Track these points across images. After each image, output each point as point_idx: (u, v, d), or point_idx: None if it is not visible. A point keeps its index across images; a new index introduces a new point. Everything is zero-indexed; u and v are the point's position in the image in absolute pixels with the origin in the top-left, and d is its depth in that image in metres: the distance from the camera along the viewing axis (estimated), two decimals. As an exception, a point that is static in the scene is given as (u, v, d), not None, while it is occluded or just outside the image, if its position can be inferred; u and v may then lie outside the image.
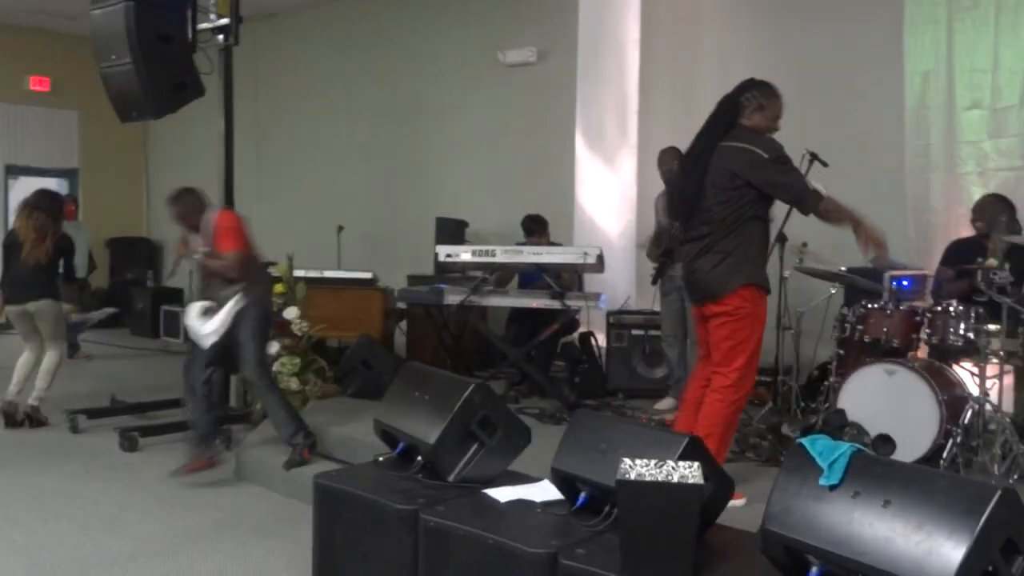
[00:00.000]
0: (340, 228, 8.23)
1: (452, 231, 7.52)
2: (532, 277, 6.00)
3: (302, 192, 9.57)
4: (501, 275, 6.19)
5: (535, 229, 6.48)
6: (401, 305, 6.86)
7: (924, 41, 5.59)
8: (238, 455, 4.92)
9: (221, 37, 5.69)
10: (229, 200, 5.95)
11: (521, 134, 7.97)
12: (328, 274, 6.65)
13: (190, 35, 5.54)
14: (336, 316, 6.08)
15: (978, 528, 1.84)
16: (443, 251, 5.69)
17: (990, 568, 1.89)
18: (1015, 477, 3.99)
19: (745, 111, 3.76)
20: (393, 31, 9.04)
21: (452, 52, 8.52)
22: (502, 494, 2.84)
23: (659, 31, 6.72)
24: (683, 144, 5.69)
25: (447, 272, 6.12)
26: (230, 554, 3.70)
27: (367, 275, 6.72)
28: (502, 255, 5.56)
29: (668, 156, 5.56)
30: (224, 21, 5.70)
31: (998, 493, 1.88)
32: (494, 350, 6.28)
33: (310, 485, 3.99)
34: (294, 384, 5.34)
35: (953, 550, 1.84)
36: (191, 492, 4.50)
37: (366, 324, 6.37)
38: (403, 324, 7.22)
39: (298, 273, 5.82)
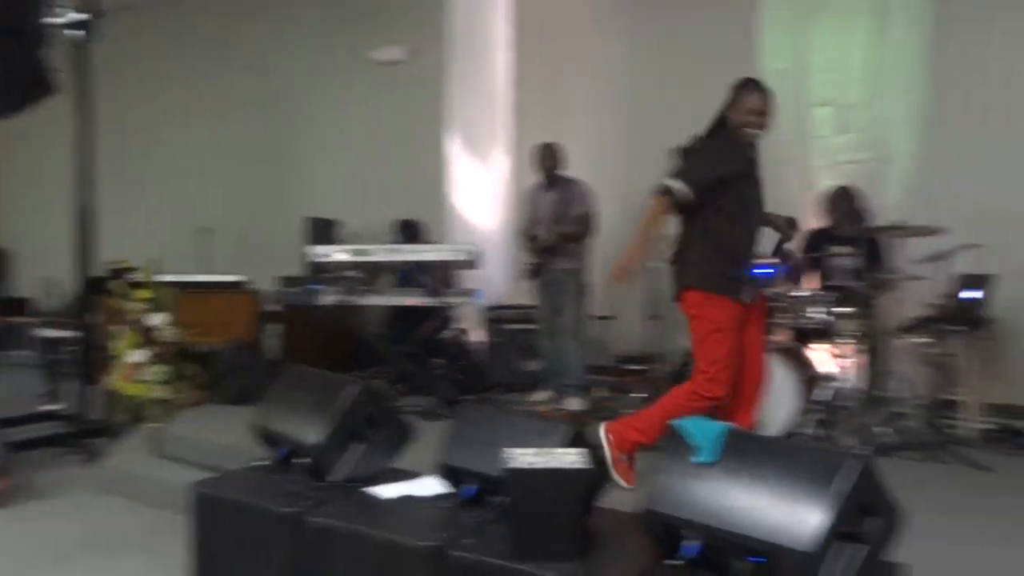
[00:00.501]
0: (206, 230, 7.98)
1: (323, 231, 7.42)
2: (409, 276, 6.00)
3: (167, 194, 9.21)
4: (374, 275, 6.16)
5: (410, 234, 6.50)
6: (274, 307, 6.71)
7: (778, 41, 5.91)
8: (100, 467, 4.71)
9: (76, 32, 5.41)
10: (86, 203, 5.68)
11: (393, 132, 7.93)
12: (196, 278, 6.43)
13: (43, 30, 5.23)
14: (206, 321, 5.88)
15: (837, 493, 1.98)
16: (316, 251, 5.60)
17: (849, 530, 2.04)
18: (861, 452, 4.28)
19: (726, 107, 3.69)
20: (261, 26, 8.81)
21: (321, 49, 8.39)
22: (388, 491, 2.84)
23: (530, 31, 6.83)
24: (558, 140, 5.88)
25: (321, 272, 6.03)
26: (100, 570, 3.55)
27: (237, 278, 6.54)
28: (378, 254, 5.53)
29: (547, 152, 5.67)
30: (82, 16, 5.42)
31: (853, 461, 2.03)
32: (372, 350, 6.24)
33: (180, 494, 3.89)
34: (163, 392, 5.16)
35: (818, 515, 1.98)
36: (52, 508, 4.27)
37: (238, 328, 6.19)
38: (277, 327, 7.06)
39: (165, 278, 5.61)
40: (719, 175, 3.50)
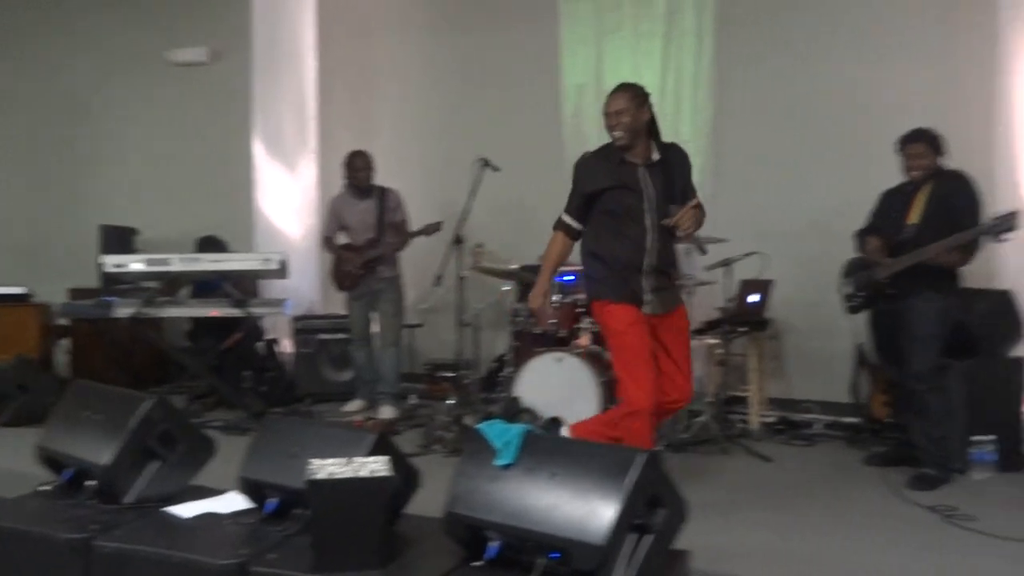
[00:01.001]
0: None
1: (119, 240, 6.99)
2: (212, 286, 5.78)
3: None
4: (173, 286, 5.91)
5: (213, 252, 6.25)
6: (63, 321, 6.28)
7: (578, 57, 6.17)
8: None
9: None
10: None
11: (195, 137, 7.59)
12: (-28, 290, 5.92)
13: None
14: (-16, 337, 5.44)
15: (626, 487, 2.11)
16: (110, 261, 5.28)
17: (638, 522, 2.17)
18: (663, 445, 4.56)
19: None
20: (50, 22, 8.18)
21: (116, 48, 7.89)
22: (186, 510, 2.74)
23: (336, 36, 6.75)
24: (364, 147, 5.86)
25: (116, 283, 5.71)
26: None
27: (19, 290, 6.06)
28: (178, 264, 5.29)
29: (359, 160, 5.64)
30: None
31: (641, 456, 2.17)
32: (173, 364, 5.96)
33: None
34: (-67, 416, 4.72)
35: (607, 509, 2.10)
36: None
37: (20, 344, 5.75)
38: (66, 342, 6.60)
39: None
40: (582, 193, 3.67)
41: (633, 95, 3.60)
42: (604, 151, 3.70)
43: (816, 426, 5.26)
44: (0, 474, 4.09)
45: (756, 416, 5.21)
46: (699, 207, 3.52)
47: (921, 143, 4.13)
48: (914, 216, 4.11)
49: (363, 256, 5.60)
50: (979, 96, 4.95)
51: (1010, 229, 3.81)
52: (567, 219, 3.72)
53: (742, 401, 5.33)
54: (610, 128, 3.61)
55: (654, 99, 5.84)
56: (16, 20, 8.33)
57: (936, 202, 4.07)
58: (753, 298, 5.24)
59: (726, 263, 5.01)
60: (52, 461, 3.03)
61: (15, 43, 8.32)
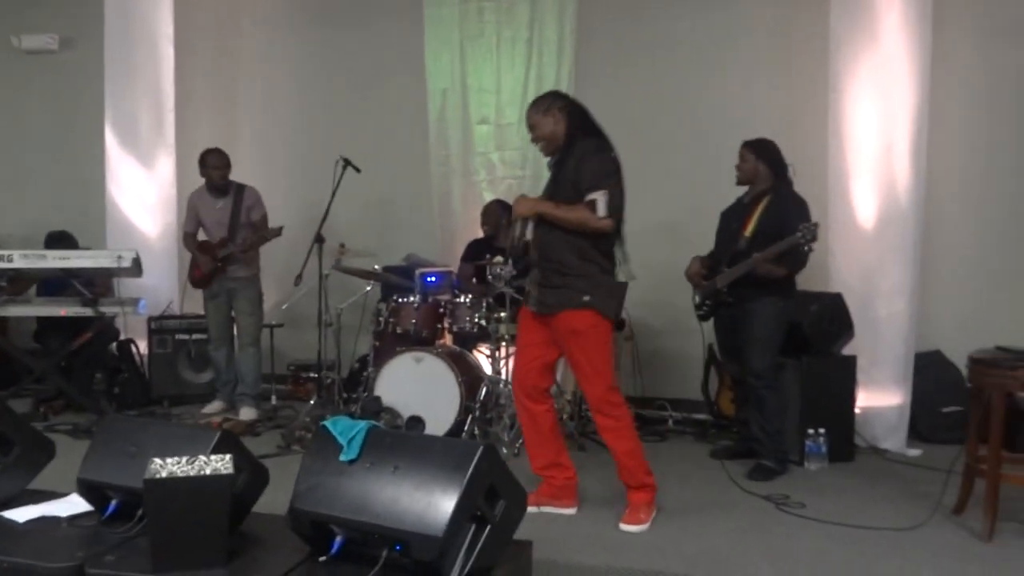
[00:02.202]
0: None
1: (-44, 235, 6.63)
2: (58, 284, 5.55)
3: None
4: (18, 284, 5.64)
5: (52, 245, 6.00)
6: None
7: (442, 61, 6.23)
8: None
9: None
10: None
11: (44, 127, 7.25)
12: None
13: None
14: None
15: (464, 479, 2.19)
16: (-55, 257, 5.01)
17: (478, 512, 2.26)
18: (520, 442, 4.67)
19: None
20: None
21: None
22: (21, 514, 2.66)
23: (196, 27, 6.57)
24: (224, 143, 5.74)
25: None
26: None
27: None
28: (21, 260, 5.05)
29: (216, 158, 5.53)
30: None
31: (480, 449, 2.25)
32: (16, 365, 5.69)
33: None
34: None
35: (447, 500, 2.17)
36: None
37: None
38: None
39: None
40: None
41: (537, 108, 3.64)
42: None
43: (668, 423, 5.50)
44: None
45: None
46: (591, 205, 3.43)
47: (747, 149, 4.52)
48: (749, 229, 4.41)
49: (214, 254, 5.49)
50: (814, 110, 5.29)
51: (814, 239, 4.19)
52: None
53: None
54: (534, 142, 3.68)
55: (516, 103, 6.03)
56: None
57: (768, 217, 4.38)
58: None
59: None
60: None
61: None
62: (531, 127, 3.64)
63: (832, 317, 4.80)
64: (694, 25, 5.88)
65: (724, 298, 4.44)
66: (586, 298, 3.46)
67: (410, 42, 6.30)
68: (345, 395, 5.41)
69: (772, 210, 4.38)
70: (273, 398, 5.89)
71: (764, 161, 4.47)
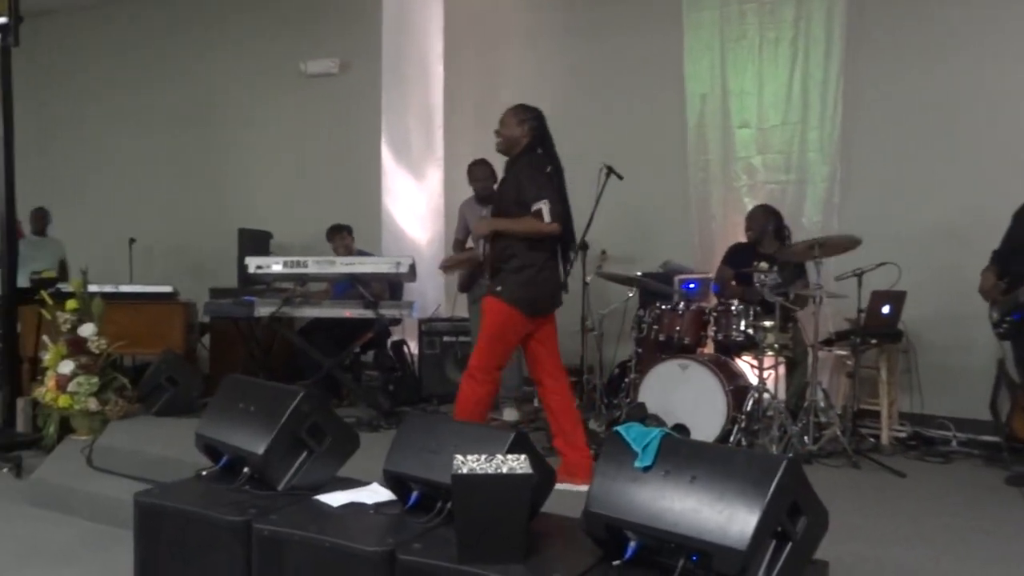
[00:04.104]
0: (132, 240, 7.86)
1: (255, 243, 7.37)
2: (340, 288, 6.03)
3: (93, 202, 8.98)
4: (319, 292, 6.20)
5: (332, 235, 6.56)
6: (203, 319, 6.65)
7: (701, 66, 6.15)
8: (29, 481, 4.62)
9: (-2, 37, 5.35)
10: (10, 212, 5.57)
11: (326, 144, 7.93)
12: (125, 289, 6.32)
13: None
14: (135, 332, 5.80)
15: (769, 494, 2.12)
16: (253, 262, 5.58)
17: (780, 528, 2.18)
18: (789, 456, 4.48)
19: None
20: (189, 34, 8.71)
21: (251, 60, 8.34)
22: (334, 499, 2.89)
23: (463, 45, 6.93)
24: (488, 155, 5.97)
25: (253, 284, 6.02)
26: (37, 585, 3.49)
27: (167, 289, 6.45)
28: (314, 266, 5.54)
29: (480, 170, 5.77)
30: (2, 19, 5.35)
31: (784, 463, 2.18)
32: (303, 362, 6.23)
33: (115, 507, 3.85)
34: (93, 404, 5.08)
35: (750, 514, 2.11)
36: (-19, 525, 4.18)
37: (167, 340, 6.11)
38: (205, 339, 7.00)
39: (92, 288, 5.52)
40: None
41: (516, 112, 4.08)
42: None
43: (952, 443, 5.08)
44: (156, 460, 4.39)
45: (887, 430, 5.06)
46: (537, 214, 3.89)
47: None
48: None
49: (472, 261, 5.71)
50: None
51: None
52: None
53: (873, 415, 5.19)
54: (496, 135, 4.12)
55: (780, 106, 5.83)
56: (161, 36, 8.89)
57: None
58: (885, 309, 5.10)
59: (857, 273, 4.90)
60: (210, 448, 3.25)
61: (160, 57, 8.88)
62: (501, 123, 4.08)
63: None
64: (979, 15, 5.41)
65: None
66: (497, 288, 3.98)
67: (669, 48, 6.28)
68: (606, 400, 5.45)
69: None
70: (535, 400, 6.03)
71: None
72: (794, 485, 2.21)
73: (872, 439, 5.02)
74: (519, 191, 3.95)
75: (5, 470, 4.93)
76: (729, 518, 2.14)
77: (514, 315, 3.97)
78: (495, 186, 5.79)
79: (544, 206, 3.91)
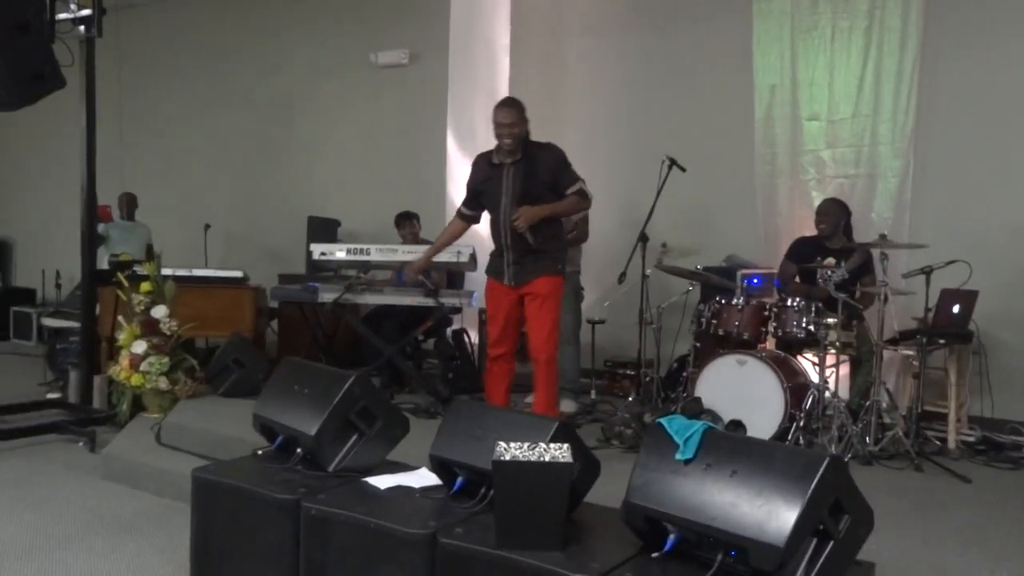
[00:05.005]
0: (207, 226, 8.11)
1: (324, 230, 7.53)
2: (403, 275, 6.11)
3: (169, 188, 9.29)
4: (383, 279, 6.30)
5: (400, 222, 6.65)
6: (272, 304, 6.82)
7: (771, 57, 6.03)
8: (102, 455, 4.82)
9: (83, 28, 5.55)
10: (91, 197, 5.79)
11: (393, 134, 8.04)
12: (197, 272, 6.52)
13: (49, 24, 5.36)
14: (206, 315, 5.98)
15: (809, 491, 2.08)
16: (317, 249, 5.72)
17: (821, 527, 2.15)
18: (849, 456, 4.40)
19: None
20: (263, 26, 8.93)
21: (324, 51, 8.51)
22: (382, 482, 2.95)
23: (529, 35, 6.94)
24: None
25: (320, 271, 6.15)
26: (103, 554, 3.64)
27: (237, 273, 6.63)
28: (376, 254, 5.63)
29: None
30: (86, 11, 5.55)
31: (826, 460, 2.14)
32: (366, 348, 6.34)
33: (180, 482, 3.99)
34: (163, 384, 5.26)
35: (789, 511, 2.08)
36: (55, 494, 4.38)
37: (237, 323, 6.29)
38: (274, 323, 7.18)
39: (166, 271, 5.72)
40: (470, 187, 4.66)
41: (519, 110, 4.40)
42: (485, 153, 4.56)
43: (1022, 449, 4.91)
44: (221, 438, 4.54)
45: (954, 434, 4.91)
46: (579, 194, 4.44)
47: None
48: None
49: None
50: None
51: None
52: (461, 206, 4.75)
53: (940, 417, 5.04)
54: (499, 136, 4.37)
55: (851, 98, 5.72)
56: (235, 26, 9.13)
57: None
58: (955, 309, 4.95)
59: (926, 271, 4.76)
60: (266, 428, 3.34)
61: (233, 47, 9.13)
62: (509, 124, 4.33)
63: None
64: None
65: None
66: (559, 267, 4.53)
67: (737, 38, 6.18)
68: (663, 394, 5.41)
69: None
70: (592, 392, 6.04)
71: None
72: (837, 483, 2.17)
73: (938, 442, 4.88)
74: (554, 177, 4.41)
75: (81, 444, 5.16)
76: (768, 514, 2.12)
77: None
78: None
79: (584, 185, 4.48)
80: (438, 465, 2.88)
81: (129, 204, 8.09)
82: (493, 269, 4.60)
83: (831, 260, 5.01)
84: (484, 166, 4.54)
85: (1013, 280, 5.10)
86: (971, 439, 5.04)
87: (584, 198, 4.50)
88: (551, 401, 4.64)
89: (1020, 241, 5.20)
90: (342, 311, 5.94)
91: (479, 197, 4.58)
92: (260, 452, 3.30)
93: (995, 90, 5.39)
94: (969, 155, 5.47)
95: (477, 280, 6.22)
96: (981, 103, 5.45)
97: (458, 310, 6.30)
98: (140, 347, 5.33)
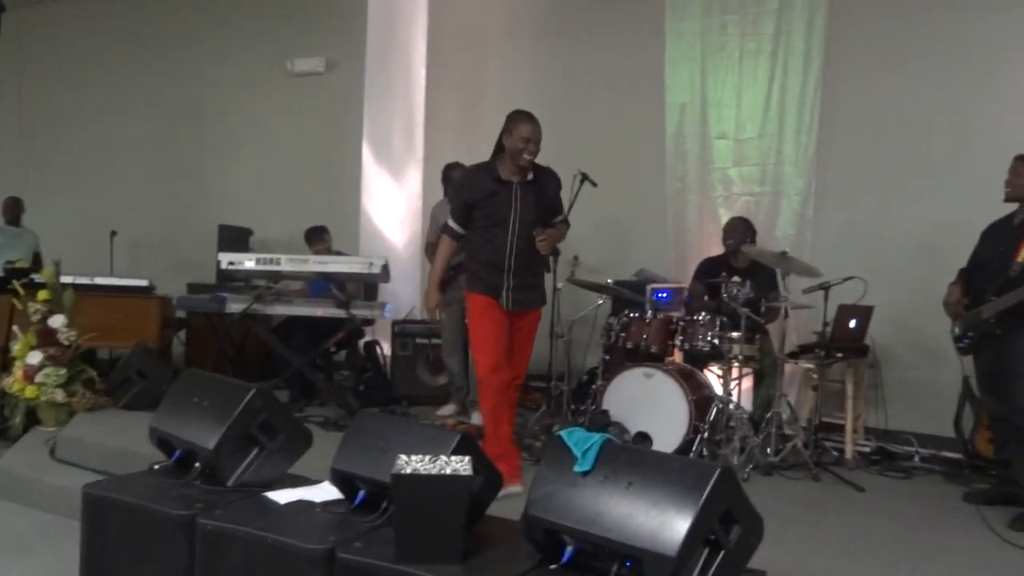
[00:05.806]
0: (113, 233, 7.86)
1: (235, 239, 7.38)
2: (317, 286, 6.04)
3: (71, 193, 8.96)
4: (295, 290, 6.21)
5: (311, 238, 6.54)
6: (180, 314, 6.65)
7: (682, 76, 6.19)
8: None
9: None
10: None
11: (309, 143, 7.95)
12: (100, 281, 6.30)
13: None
14: (109, 325, 5.79)
15: (701, 501, 2.13)
16: (226, 258, 5.58)
17: (712, 536, 2.20)
18: (750, 467, 4.51)
19: (502, 134, 4.07)
20: (175, 30, 8.72)
21: (238, 57, 8.36)
22: (282, 496, 2.90)
23: (446, 46, 6.96)
24: (467, 158, 6.00)
25: (230, 280, 6.02)
26: (-11, 574, 3.49)
27: (142, 282, 6.44)
28: (287, 264, 5.55)
29: (454, 171, 5.77)
30: (-17, 7, 5.36)
31: (717, 472, 2.19)
32: (276, 360, 6.24)
33: (74, 499, 3.83)
34: (59, 396, 5.07)
35: (681, 521, 2.12)
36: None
37: (142, 333, 6.09)
38: (182, 334, 7.00)
39: (66, 279, 5.52)
40: (465, 203, 4.13)
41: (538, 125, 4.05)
42: (483, 167, 4.14)
43: (914, 459, 5.11)
44: (118, 453, 4.39)
45: (851, 444, 5.09)
46: (564, 222, 4.29)
47: (1021, 163, 4.09)
48: (1023, 255, 3.98)
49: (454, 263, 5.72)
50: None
51: None
52: (452, 224, 4.21)
53: (837, 428, 5.22)
54: (523, 152, 3.97)
55: (757, 118, 5.90)
56: (148, 29, 8.89)
57: None
58: (851, 323, 5.14)
59: (824, 287, 4.93)
60: (164, 442, 3.25)
61: (146, 51, 8.89)
62: (537, 140, 3.99)
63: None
64: (958, 31, 5.47)
65: (990, 329, 4.04)
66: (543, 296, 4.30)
67: (650, 56, 6.31)
68: (573, 406, 5.46)
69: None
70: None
71: None
72: (728, 493, 2.22)
73: (836, 453, 5.05)
74: (555, 202, 4.23)
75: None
76: (661, 524, 2.16)
77: None
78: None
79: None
80: (340, 479, 2.85)
81: (13, 209, 7.61)
82: (489, 287, 4.07)
83: (736, 278, 5.14)
84: (486, 181, 4.07)
85: (907, 296, 5.32)
86: (867, 449, 5.23)
87: (567, 226, 4.33)
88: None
89: (914, 258, 5.42)
90: (251, 322, 5.83)
91: (474, 212, 4.09)
92: (157, 467, 3.20)
93: (894, 111, 5.63)
94: (868, 175, 5.70)
95: (389, 291, 6.21)
96: (880, 124, 5.68)
97: (370, 322, 6.24)
98: (36, 358, 5.12)
